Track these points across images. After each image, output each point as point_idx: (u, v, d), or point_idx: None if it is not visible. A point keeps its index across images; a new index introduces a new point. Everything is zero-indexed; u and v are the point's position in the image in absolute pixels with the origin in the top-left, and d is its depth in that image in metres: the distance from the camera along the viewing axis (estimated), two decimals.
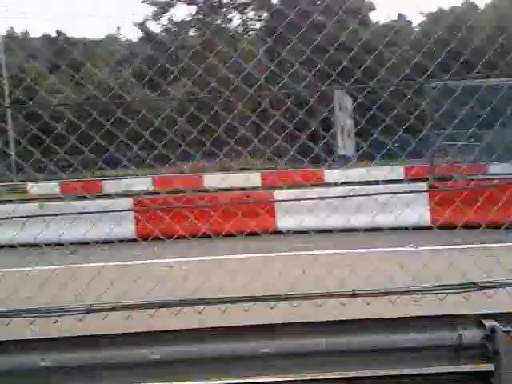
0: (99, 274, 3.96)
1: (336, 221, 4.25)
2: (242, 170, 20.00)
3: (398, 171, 20.98)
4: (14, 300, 3.80)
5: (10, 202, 9.10)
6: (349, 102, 22.58)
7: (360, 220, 4.25)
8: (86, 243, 4.46)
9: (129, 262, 4.63)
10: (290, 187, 9.66)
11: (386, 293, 2.92)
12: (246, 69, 3.78)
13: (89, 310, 3.03)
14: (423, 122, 4.09)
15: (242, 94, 3.87)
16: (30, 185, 26.45)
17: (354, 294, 2.97)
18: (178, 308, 3.19)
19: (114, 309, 3.05)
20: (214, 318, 3.15)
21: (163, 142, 3.66)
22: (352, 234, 4.70)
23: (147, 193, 14.10)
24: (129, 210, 8.02)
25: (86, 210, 4.11)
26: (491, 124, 4.19)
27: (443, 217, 4.58)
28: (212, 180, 19.95)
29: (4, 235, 3.98)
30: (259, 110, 3.88)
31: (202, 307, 3.19)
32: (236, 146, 4.09)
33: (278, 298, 3.10)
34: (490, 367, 2.86)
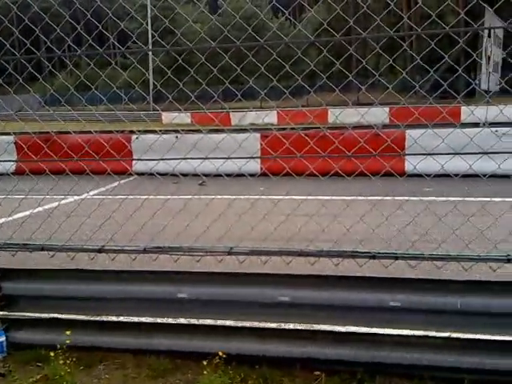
0: (229, 207, 4.08)
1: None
2: (366, 104, 19.21)
3: None
4: (151, 226, 4.08)
5: (154, 131, 9.64)
6: (501, 28, 20.05)
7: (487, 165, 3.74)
8: (217, 175, 4.58)
9: (255, 197, 4.68)
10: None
11: None
12: None
13: (229, 253, 3.14)
14: None
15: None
16: (164, 115, 27.95)
17: (508, 260, 2.72)
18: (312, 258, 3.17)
19: (252, 252, 3.12)
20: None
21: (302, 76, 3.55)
22: (476, 180, 4.24)
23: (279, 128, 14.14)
24: None
25: (220, 144, 4.18)
26: None
27: None
28: (340, 115, 19.40)
29: (145, 164, 4.21)
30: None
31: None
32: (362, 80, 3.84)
33: (422, 258, 2.96)
34: None
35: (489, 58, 19.78)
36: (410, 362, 2.86)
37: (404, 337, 2.88)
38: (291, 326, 3.08)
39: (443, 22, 3.79)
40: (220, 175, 4.04)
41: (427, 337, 2.84)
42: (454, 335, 2.79)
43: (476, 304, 2.80)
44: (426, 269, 3.21)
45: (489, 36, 19.79)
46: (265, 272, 3.17)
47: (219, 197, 5.00)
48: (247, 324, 3.14)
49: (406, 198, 5.51)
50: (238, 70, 3.60)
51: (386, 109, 21.21)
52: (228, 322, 3.15)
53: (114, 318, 3.32)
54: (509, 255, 2.86)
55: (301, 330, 3.04)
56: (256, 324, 3.12)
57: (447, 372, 2.81)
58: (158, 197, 4.76)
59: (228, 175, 3.96)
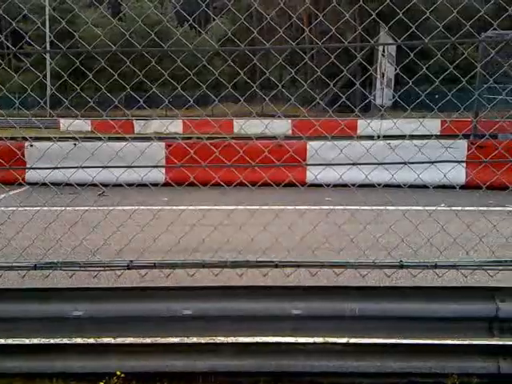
0: (129, 219, 3.92)
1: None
2: (271, 116, 19.66)
3: (434, 125, 20.29)
4: (45, 240, 3.83)
5: (49, 139, 9.09)
6: (393, 47, 21.47)
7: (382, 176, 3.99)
8: (118, 185, 4.41)
9: (158, 207, 4.57)
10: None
11: (436, 266, 2.79)
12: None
13: (129, 267, 2.99)
14: (471, 74, 3.82)
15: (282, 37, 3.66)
16: (62, 121, 26.55)
17: (401, 266, 2.86)
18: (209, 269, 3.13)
19: (154, 266, 3.00)
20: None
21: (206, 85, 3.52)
22: (372, 189, 4.50)
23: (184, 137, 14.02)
24: None
25: (121, 152, 4.03)
26: None
27: (480, 177, 4.35)
28: (244, 126, 19.65)
29: (39, 173, 3.94)
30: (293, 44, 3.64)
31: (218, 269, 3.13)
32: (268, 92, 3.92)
33: (321, 266, 3.02)
34: None
35: (383, 74, 21.09)
36: (311, 370, 2.90)
37: (305, 344, 2.93)
38: (194, 339, 3.02)
39: (342, 39, 3.95)
40: (121, 185, 3.88)
41: (327, 343, 2.91)
42: (352, 341, 2.88)
43: (372, 309, 2.92)
44: (325, 276, 3.30)
45: (383, 54, 21.11)
46: (167, 285, 3.08)
47: (119, 208, 4.80)
48: (148, 340, 3.02)
49: (307, 207, 5.68)
50: (141, 75, 3.51)
51: (289, 120, 21.85)
52: (128, 340, 3.01)
53: (2, 341, 3.05)
54: (401, 261, 3.02)
55: (204, 343, 2.99)
56: (158, 339, 3.02)
57: (345, 377, 2.89)
58: (53, 208, 4.48)
59: (130, 185, 3.82)
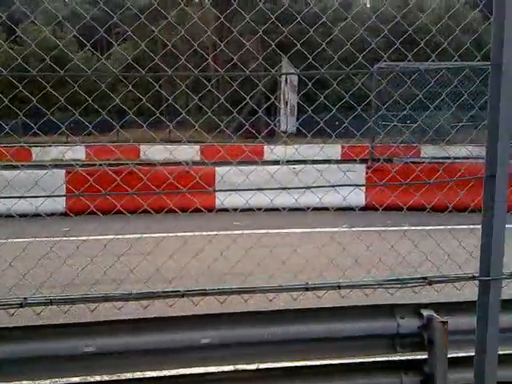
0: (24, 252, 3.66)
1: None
2: (180, 142, 19.57)
3: (335, 150, 21.34)
4: None
5: None
6: (295, 76, 22.45)
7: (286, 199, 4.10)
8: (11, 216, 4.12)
9: (57, 239, 4.31)
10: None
11: (339, 287, 2.86)
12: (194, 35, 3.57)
13: (23, 305, 2.74)
14: (367, 102, 4.08)
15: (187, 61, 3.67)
16: None
17: (306, 288, 2.89)
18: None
19: (51, 302, 2.78)
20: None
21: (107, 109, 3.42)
22: (279, 212, 4.59)
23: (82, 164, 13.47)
24: None
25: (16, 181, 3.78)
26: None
27: (378, 198, 4.61)
28: (150, 152, 19.38)
29: None
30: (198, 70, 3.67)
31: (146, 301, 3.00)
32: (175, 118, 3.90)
33: (230, 292, 2.97)
34: (423, 356, 2.92)
35: (286, 102, 21.90)
36: None
37: (215, 374, 2.87)
38: (97, 377, 2.84)
39: (246, 68, 4.03)
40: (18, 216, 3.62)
41: (237, 371, 2.87)
42: (262, 366, 2.87)
43: (281, 333, 2.92)
44: (234, 302, 3.27)
45: (285, 83, 22.00)
46: (65, 322, 2.87)
47: (10, 240, 4.47)
48: (47, 381, 2.80)
49: (216, 232, 5.64)
50: (34, 101, 3.33)
51: (197, 147, 21.91)
52: (24, 383, 2.76)
53: None
54: (307, 283, 3.07)
55: (108, 380, 2.82)
56: (57, 380, 2.80)
57: None
58: None
59: (25, 216, 3.57)
